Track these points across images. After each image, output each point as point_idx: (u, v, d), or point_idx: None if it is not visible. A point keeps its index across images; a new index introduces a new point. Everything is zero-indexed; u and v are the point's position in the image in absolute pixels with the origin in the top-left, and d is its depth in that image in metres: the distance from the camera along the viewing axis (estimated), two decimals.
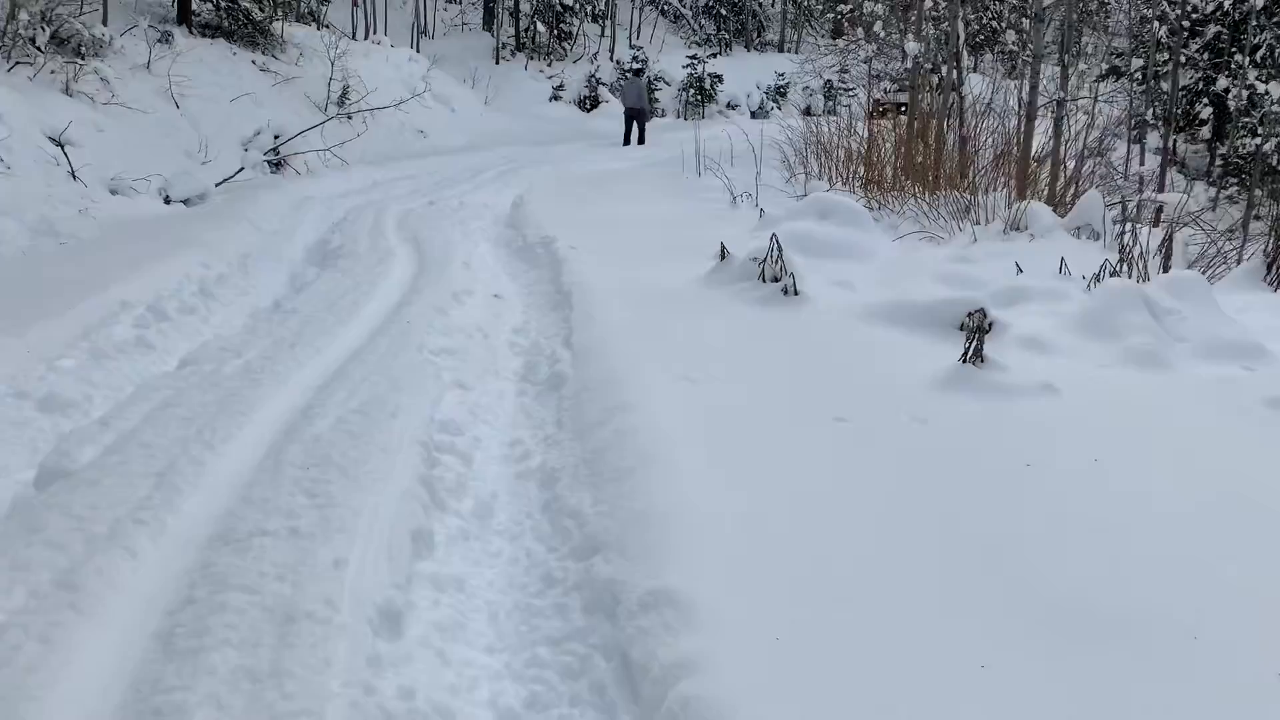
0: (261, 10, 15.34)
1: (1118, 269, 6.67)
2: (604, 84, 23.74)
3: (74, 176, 9.72)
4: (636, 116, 19.76)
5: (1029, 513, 3.12)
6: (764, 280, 5.89)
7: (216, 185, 11.31)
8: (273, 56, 15.72)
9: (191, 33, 14.26)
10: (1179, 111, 18.31)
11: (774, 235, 5.88)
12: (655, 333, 5.16)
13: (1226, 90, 19.06)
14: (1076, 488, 3.32)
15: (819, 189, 10.06)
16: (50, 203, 9.22)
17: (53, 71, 11.40)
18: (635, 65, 22.50)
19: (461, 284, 6.51)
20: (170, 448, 3.46)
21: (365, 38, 20.99)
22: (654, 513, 3.01)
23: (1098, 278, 6.56)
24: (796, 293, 5.68)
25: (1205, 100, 19.79)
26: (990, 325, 5.06)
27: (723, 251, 6.35)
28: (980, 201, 9.00)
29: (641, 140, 19.50)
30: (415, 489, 3.34)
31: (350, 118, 15.36)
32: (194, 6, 14.66)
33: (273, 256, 7.53)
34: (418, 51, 21.64)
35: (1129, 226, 7.62)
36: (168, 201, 10.54)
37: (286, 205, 9.73)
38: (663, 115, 20.06)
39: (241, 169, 12.28)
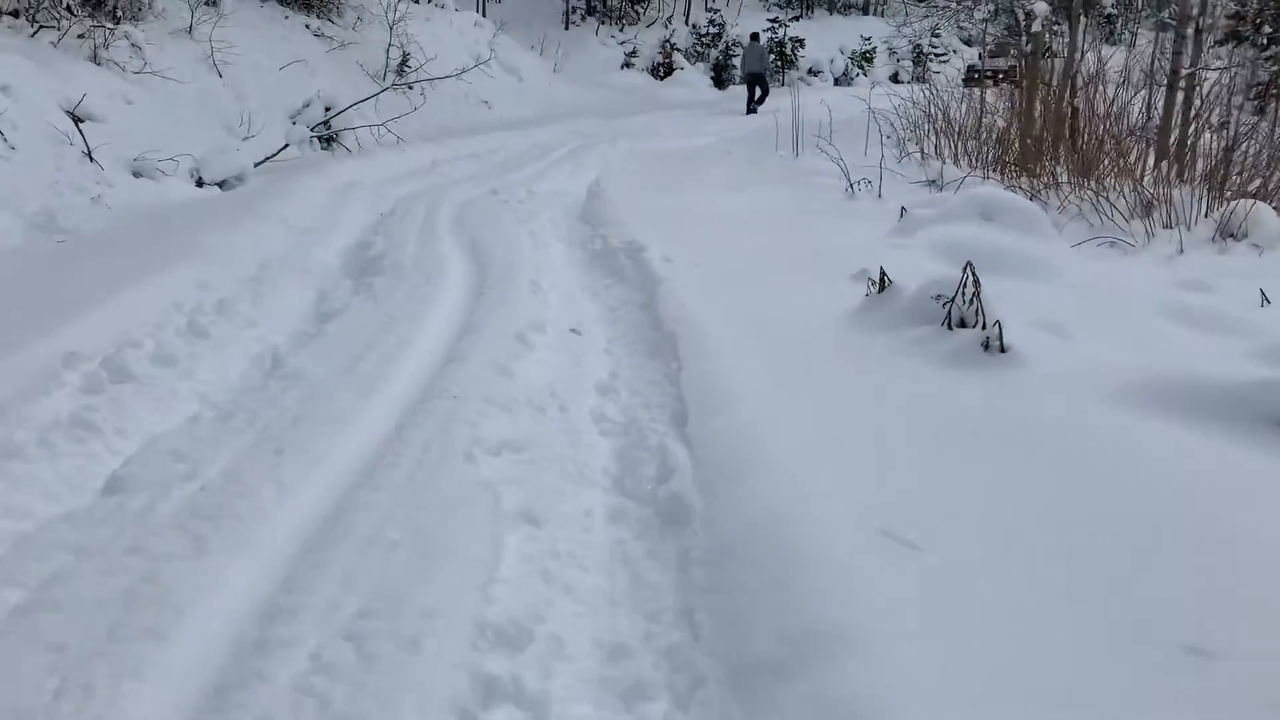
0: None
1: None
2: (679, 50, 21.59)
3: (90, 157, 8.09)
4: (758, 81, 18.41)
5: None
6: (950, 327, 4.03)
7: (256, 165, 9.63)
8: (329, 20, 13.97)
9: None
10: None
11: (969, 265, 3.99)
12: (816, 424, 3.32)
13: None
14: None
15: (953, 175, 8.09)
16: (57, 190, 7.58)
17: (80, 36, 9.77)
18: (756, 30, 20.55)
19: (529, 316, 4.73)
20: None
21: (428, 0, 19.10)
22: None
23: None
24: (1003, 349, 3.81)
25: None
26: None
27: (882, 279, 4.48)
28: (1162, 195, 6.96)
29: (761, 102, 18.10)
30: None
31: (410, 88, 13.57)
32: None
33: (299, 266, 5.79)
34: (483, 15, 19.75)
35: None
36: (200, 184, 8.90)
37: (327, 193, 7.98)
38: (741, 83, 18.25)
39: (286, 145, 10.57)
